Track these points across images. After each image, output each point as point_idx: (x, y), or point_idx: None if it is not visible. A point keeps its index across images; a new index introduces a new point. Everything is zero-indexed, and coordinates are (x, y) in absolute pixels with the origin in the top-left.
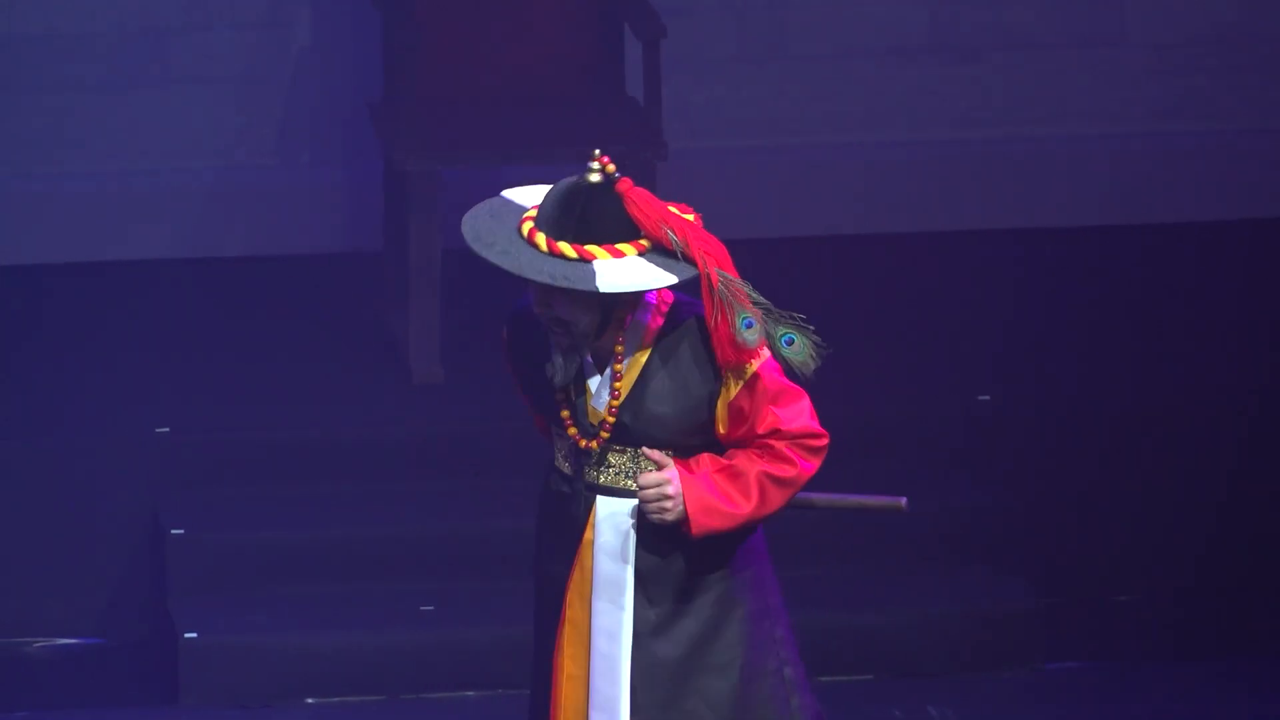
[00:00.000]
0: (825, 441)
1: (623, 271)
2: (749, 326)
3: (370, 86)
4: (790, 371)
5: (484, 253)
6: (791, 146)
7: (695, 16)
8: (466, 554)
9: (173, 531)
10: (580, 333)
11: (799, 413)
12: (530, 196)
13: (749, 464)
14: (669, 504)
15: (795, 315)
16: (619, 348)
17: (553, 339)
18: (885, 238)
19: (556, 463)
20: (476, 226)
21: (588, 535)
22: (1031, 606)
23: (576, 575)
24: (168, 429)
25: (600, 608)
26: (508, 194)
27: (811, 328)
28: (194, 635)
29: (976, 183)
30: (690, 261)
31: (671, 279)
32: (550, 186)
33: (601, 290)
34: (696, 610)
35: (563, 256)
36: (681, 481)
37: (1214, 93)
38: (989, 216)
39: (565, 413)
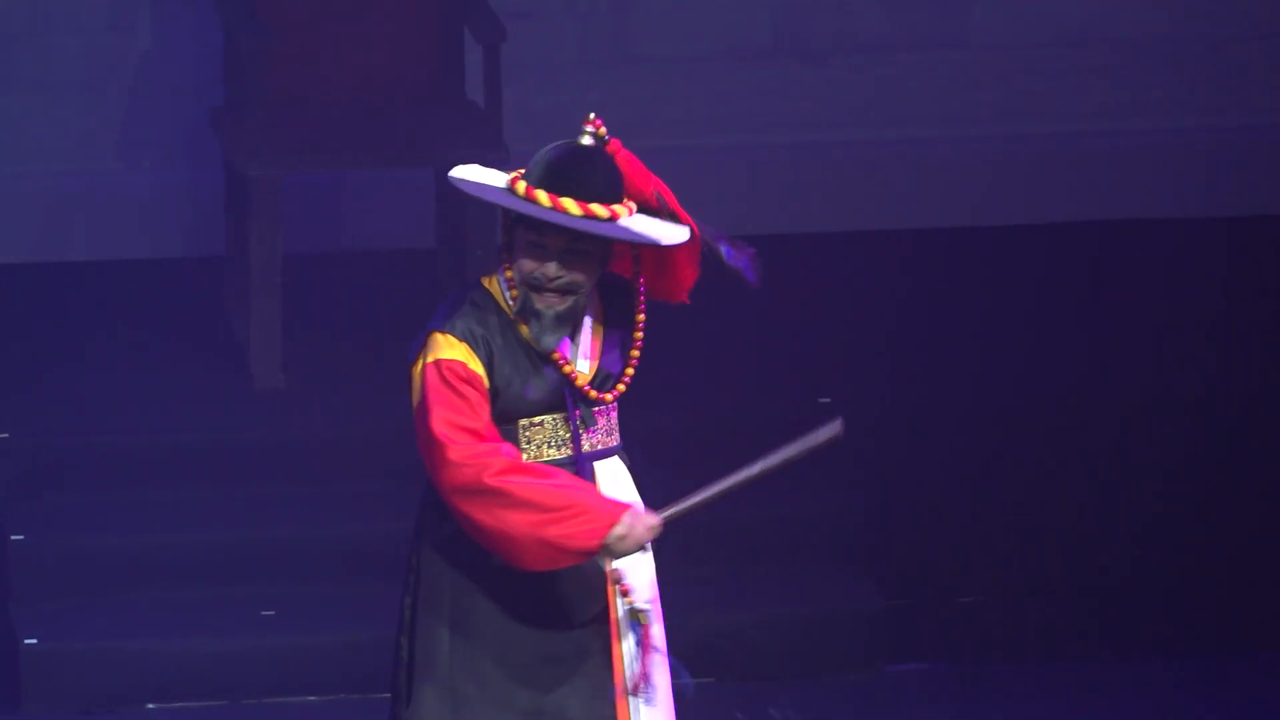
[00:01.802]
0: None
1: (651, 227)
2: (730, 255)
3: (212, 91)
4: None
5: (550, 218)
6: (636, 150)
7: (536, 19)
8: (308, 559)
9: (13, 537)
10: (584, 295)
11: None
12: (481, 174)
13: None
14: None
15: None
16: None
17: (541, 306)
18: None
19: (534, 456)
20: (496, 197)
21: None
22: (874, 607)
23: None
24: (7, 434)
25: (631, 569)
26: (456, 174)
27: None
28: (34, 641)
29: (820, 185)
30: (672, 215)
31: (684, 233)
32: (486, 172)
33: (667, 244)
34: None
35: (596, 218)
36: None
37: (1060, 95)
38: (833, 219)
39: (579, 379)
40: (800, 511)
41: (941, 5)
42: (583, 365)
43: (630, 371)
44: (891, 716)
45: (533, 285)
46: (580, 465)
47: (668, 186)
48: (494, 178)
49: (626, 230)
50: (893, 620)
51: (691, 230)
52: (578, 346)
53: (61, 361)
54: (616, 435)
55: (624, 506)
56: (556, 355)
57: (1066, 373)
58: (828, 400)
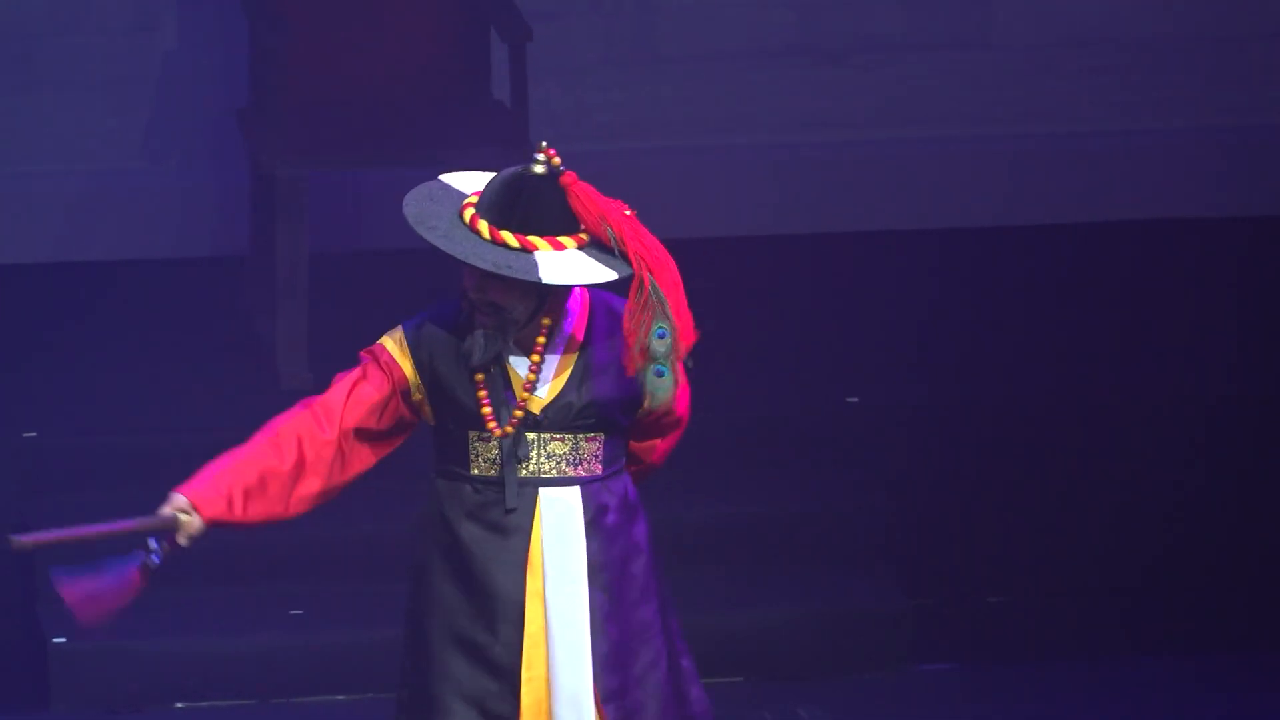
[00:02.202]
0: None
1: (563, 264)
2: (661, 337)
3: (237, 91)
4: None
5: (427, 235)
6: (659, 149)
7: (561, 19)
8: (336, 558)
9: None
10: (512, 319)
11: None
12: (468, 182)
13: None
14: None
15: (687, 360)
16: (545, 334)
17: (476, 321)
18: (752, 239)
19: (476, 472)
20: (419, 209)
21: (536, 532)
22: (902, 608)
23: (530, 581)
24: (34, 433)
25: (557, 599)
26: (445, 179)
27: (692, 365)
28: (63, 640)
29: (843, 185)
30: (627, 260)
31: (611, 275)
32: (492, 174)
33: (545, 282)
34: (630, 594)
35: (505, 245)
36: None
37: (1080, 94)
38: (854, 218)
39: (487, 409)
40: (827, 511)
41: (962, 4)
42: (540, 389)
43: (542, 401)
44: (919, 716)
45: (468, 301)
46: (513, 488)
47: (631, 226)
48: (473, 184)
49: (534, 266)
50: (920, 620)
51: (635, 275)
52: (541, 370)
53: (87, 361)
54: (589, 466)
55: (187, 487)
56: (480, 378)
57: (1093, 372)
58: (855, 400)
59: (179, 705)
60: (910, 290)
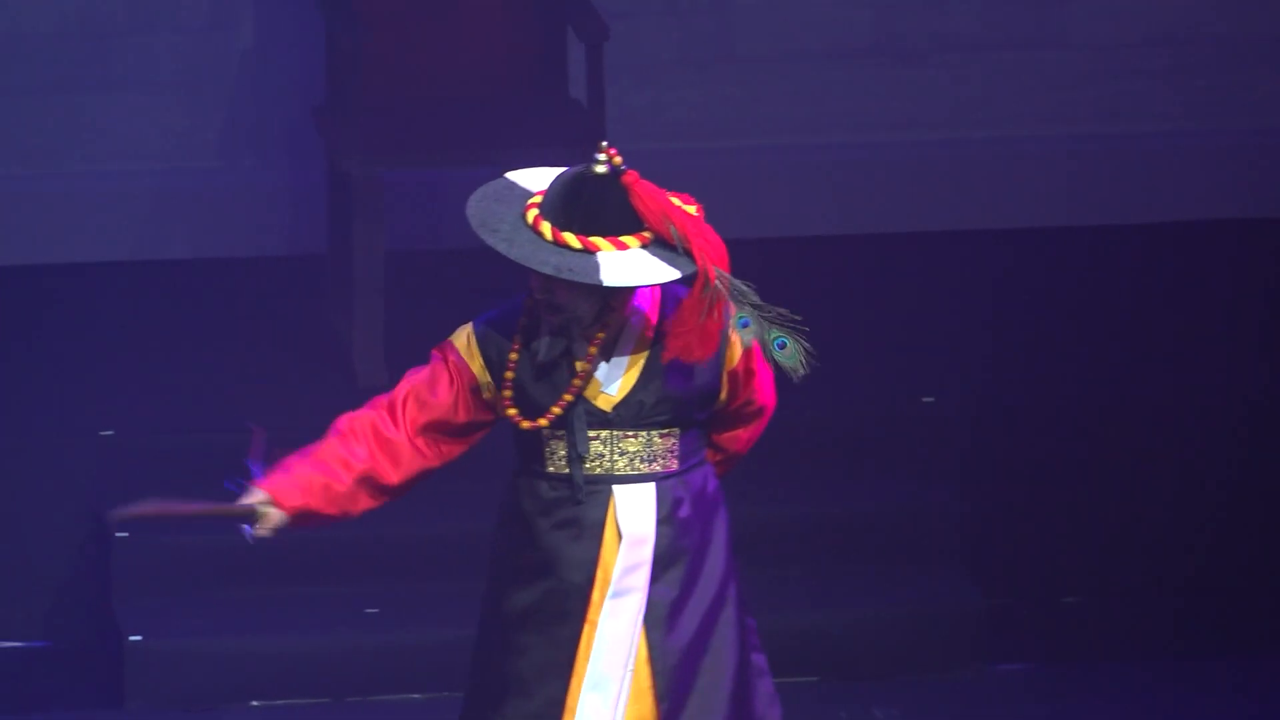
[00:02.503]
0: None
1: (626, 265)
2: (745, 326)
3: (314, 89)
4: (778, 374)
5: (488, 239)
6: (735, 149)
7: (638, 19)
8: (411, 557)
9: (117, 534)
10: (577, 319)
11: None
12: (535, 180)
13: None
14: None
15: (793, 317)
16: (605, 332)
17: (543, 320)
18: (828, 240)
19: (551, 469)
20: (482, 211)
21: (609, 531)
22: (978, 607)
23: (600, 576)
24: (111, 431)
25: (619, 594)
26: (512, 176)
27: (806, 329)
28: (139, 638)
29: (919, 185)
30: (691, 258)
31: (674, 274)
32: (556, 173)
33: (605, 284)
34: (701, 592)
35: (567, 247)
36: None
37: (1160, 94)
38: (932, 218)
39: (512, 411)
40: (902, 510)
41: (1039, 4)
42: (610, 388)
43: (618, 399)
44: (994, 717)
45: (533, 301)
46: (580, 485)
47: (694, 223)
48: (539, 181)
49: (595, 268)
50: (995, 620)
51: (700, 271)
52: (609, 367)
53: (163, 359)
54: (665, 462)
55: (265, 482)
56: (508, 375)
57: (1168, 372)
58: (931, 399)
59: (254, 704)
60: (985, 289)
